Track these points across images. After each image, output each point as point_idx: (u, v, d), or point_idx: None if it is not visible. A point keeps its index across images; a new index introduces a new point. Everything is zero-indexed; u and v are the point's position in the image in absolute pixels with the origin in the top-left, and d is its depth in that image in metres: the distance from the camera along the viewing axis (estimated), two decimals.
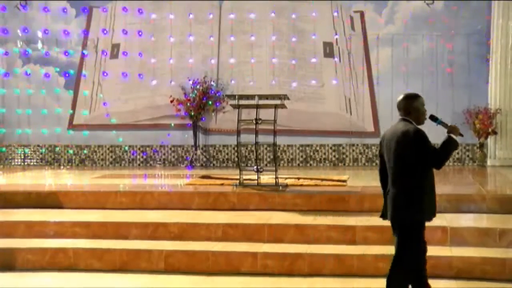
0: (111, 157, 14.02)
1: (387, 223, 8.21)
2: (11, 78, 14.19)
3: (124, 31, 13.98)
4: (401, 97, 5.90)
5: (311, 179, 10.72)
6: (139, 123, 13.93)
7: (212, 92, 13.48)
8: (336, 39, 13.51)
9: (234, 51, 13.76)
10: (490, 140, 12.81)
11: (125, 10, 13.96)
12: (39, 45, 14.16)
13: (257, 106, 9.79)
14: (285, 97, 9.90)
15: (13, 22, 14.17)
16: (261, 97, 9.89)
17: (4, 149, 14.21)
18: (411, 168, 5.50)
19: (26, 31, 14.13)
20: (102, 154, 14.06)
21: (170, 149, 13.87)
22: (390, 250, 7.69)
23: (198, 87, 13.40)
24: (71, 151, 14.09)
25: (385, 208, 5.80)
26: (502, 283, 7.10)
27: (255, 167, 9.94)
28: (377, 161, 6.05)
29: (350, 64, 13.46)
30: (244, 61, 13.73)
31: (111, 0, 14.09)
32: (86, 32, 14.11)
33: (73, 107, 14.14)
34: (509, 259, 7.33)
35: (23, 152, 14.23)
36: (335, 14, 13.50)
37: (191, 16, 13.81)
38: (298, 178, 10.77)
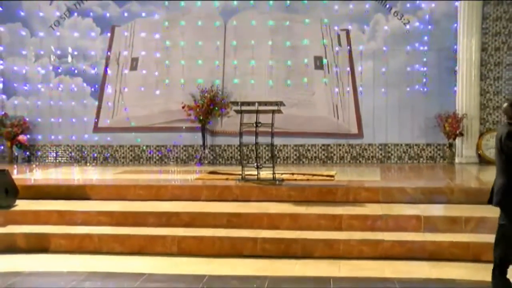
0: (131, 155, 14.02)
1: (369, 212, 8.29)
2: (45, 88, 14.20)
3: (142, 47, 13.99)
4: (505, 104, 6.28)
5: (303, 174, 10.74)
6: (155, 126, 13.93)
7: (218, 99, 13.46)
8: (325, 53, 13.50)
9: (237, 64, 13.75)
10: (458, 141, 12.83)
11: (143, 28, 13.97)
12: (69, 59, 14.16)
13: (257, 111, 9.80)
14: (281, 103, 9.92)
15: (47, 41, 14.17)
16: (260, 103, 9.90)
17: (38, 149, 14.20)
18: (510, 162, 5.78)
19: (58, 47, 14.15)
20: (123, 153, 14.05)
21: (182, 148, 13.87)
22: (372, 235, 7.75)
23: (206, 95, 13.39)
24: (96, 151, 14.09)
25: (491, 195, 6.06)
26: (466, 262, 7.19)
27: (255, 164, 9.97)
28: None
29: (337, 75, 13.46)
30: (246, 73, 13.72)
31: (130, 10, 14.06)
32: (109, 47, 14.10)
33: (98, 112, 14.13)
34: (473, 243, 7.41)
35: (55, 152, 14.22)
36: (324, 32, 13.50)
37: (200, 32, 13.81)
38: (293, 174, 10.79)
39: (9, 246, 8.08)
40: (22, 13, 14.18)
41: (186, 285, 6.59)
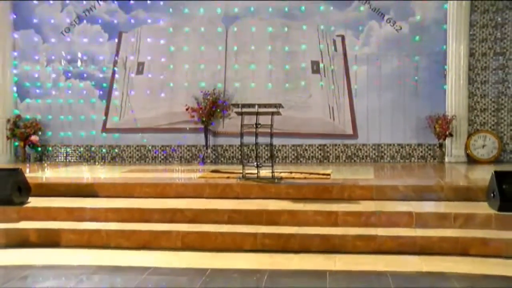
0: (137, 155, 14.03)
1: (363, 208, 8.28)
2: (56, 91, 14.22)
3: (147, 52, 14.00)
4: None
5: (301, 173, 10.73)
6: (160, 127, 13.93)
7: (220, 101, 13.48)
8: (322, 58, 13.51)
9: (238, 68, 13.76)
10: (447, 141, 12.83)
11: (149, 34, 13.98)
12: (79, 63, 14.17)
13: (257, 113, 9.80)
14: (279, 105, 9.91)
15: (58, 46, 14.19)
16: (260, 105, 9.89)
17: (49, 148, 14.23)
18: None
19: (69, 52, 14.17)
20: (130, 153, 14.06)
21: (186, 148, 13.87)
22: (366, 231, 7.75)
23: (208, 97, 13.41)
24: (104, 150, 14.10)
25: None
26: (455, 256, 7.18)
27: (255, 163, 9.96)
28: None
29: (333, 79, 13.46)
30: (246, 76, 13.72)
31: (137, 17, 14.07)
32: (116, 52, 14.11)
33: (106, 114, 14.14)
34: (461, 237, 7.42)
35: (65, 151, 14.23)
36: (321, 38, 13.51)
37: (203, 38, 13.83)
38: (291, 172, 10.79)
39: (23, 240, 8.09)
40: (35, 20, 14.21)
41: (190, 278, 6.59)
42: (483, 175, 9.65)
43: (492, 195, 8.10)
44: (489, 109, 12.93)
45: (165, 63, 13.96)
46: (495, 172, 8.11)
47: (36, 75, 14.27)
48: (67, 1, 14.15)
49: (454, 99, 12.81)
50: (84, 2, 14.09)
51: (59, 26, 14.19)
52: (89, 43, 14.15)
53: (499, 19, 12.84)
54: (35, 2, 14.21)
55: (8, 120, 13.97)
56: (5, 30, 14.08)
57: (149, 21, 14.00)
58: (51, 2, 14.18)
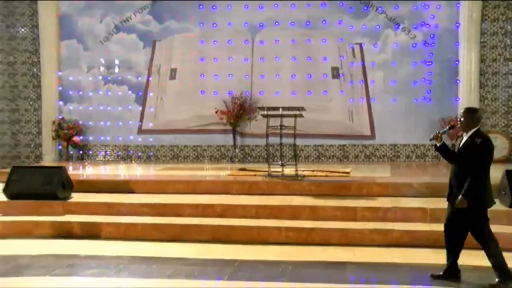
0: (170, 154, 14.10)
1: (380, 204, 8.25)
2: (96, 96, 14.36)
3: (179, 59, 14.07)
4: None
5: (322, 171, 10.71)
6: (191, 128, 13.99)
7: (247, 105, 13.50)
8: (341, 64, 13.46)
9: (263, 73, 13.76)
10: None
11: (180, 43, 14.05)
12: (116, 70, 14.31)
13: (281, 116, 9.82)
14: (302, 108, 9.93)
15: (97, 53, 14.34)
16: (284, 109, 9.91)
17: (90, 148, 14.36)
18: None
19: (107, 60, 14.31)
20: (164, 152, 14.14)
21: (215, 148, 13.90)
22: (382, 225, 7.71)
23: (236, 101, 13.44)
24: (140, 150, 14.20)
25: None
26: (467, 250, 6.99)
27: (280, 162, 9.98)
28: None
29: (352, 84, 13.41)
30: (271, 82, 13.71)
31: (169, 27, 14.15)
32: (151, 59, 14.21)
33: (141, 116, 14.24)
34: None
35: (104, 151, 14.37)
36: (341, 46, 13.46)
37: (231, 46, 13.86)
38: (313, 171, 10.77)
39: (67, 232, 8.23)
40: (78, 31, 14.38)
41: (219, 268, 6.61)
42: (493, 174, 9.44)
43: (503, 192, 8.01)
44: (500, 111, 12.78)
45: (195, 69, 14.02)
46: (507, 171, 8.02)
47: (78, 81, 14.44)
48: (106, 13, 14.30)
49: (465, 102, 12.64)
50: (121, 13, 14.23)
51: (99, 36, 14.35)
52: (126, 51, 14.27)
53: (509, 27, 12.68)
54: (78, 15, 14.39)
55: (53, 122, 14.16)
56: (53, 41, 14.30)
57: (181, 31, 14.08)
58: (92, 14, 14.35)
